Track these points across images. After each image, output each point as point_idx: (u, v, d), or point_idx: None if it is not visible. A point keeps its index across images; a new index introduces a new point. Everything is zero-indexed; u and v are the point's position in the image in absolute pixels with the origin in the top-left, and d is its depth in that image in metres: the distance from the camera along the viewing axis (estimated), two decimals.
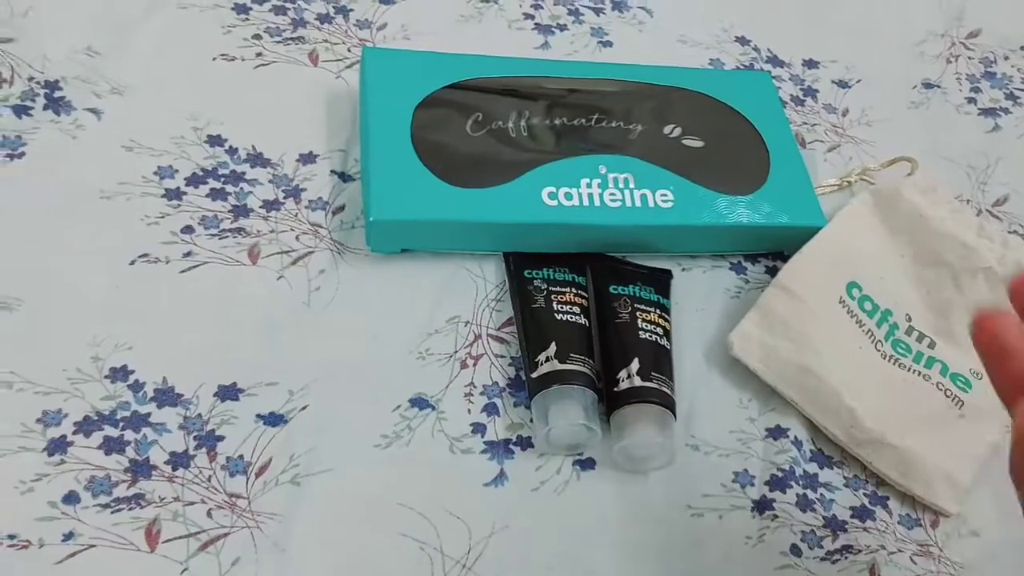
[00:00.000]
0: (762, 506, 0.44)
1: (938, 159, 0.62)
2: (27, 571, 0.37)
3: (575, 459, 0.44)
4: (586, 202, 0.49)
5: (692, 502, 0.44)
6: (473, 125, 0.51)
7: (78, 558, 0.38)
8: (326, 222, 0.50)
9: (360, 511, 0.41)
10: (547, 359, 0.44)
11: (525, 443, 0.44)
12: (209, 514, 0.40)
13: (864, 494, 0.46)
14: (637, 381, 0.44)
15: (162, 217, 0.48)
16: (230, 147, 0.52)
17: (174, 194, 0.49)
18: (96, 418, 0.41)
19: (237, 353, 0.44)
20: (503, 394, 0.46)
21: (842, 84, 0.65)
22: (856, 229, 0.53)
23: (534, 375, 0.44)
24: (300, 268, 0.48)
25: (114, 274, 0.46)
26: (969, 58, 0.69)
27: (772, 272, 0.53)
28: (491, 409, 0.45)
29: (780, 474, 0.46)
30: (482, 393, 0.46)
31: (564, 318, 0.46)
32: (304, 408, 0.43)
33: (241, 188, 0.50)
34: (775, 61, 0.65)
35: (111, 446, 0.41)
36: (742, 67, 0.64)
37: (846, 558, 0.44)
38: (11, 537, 0.38)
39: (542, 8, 0.64)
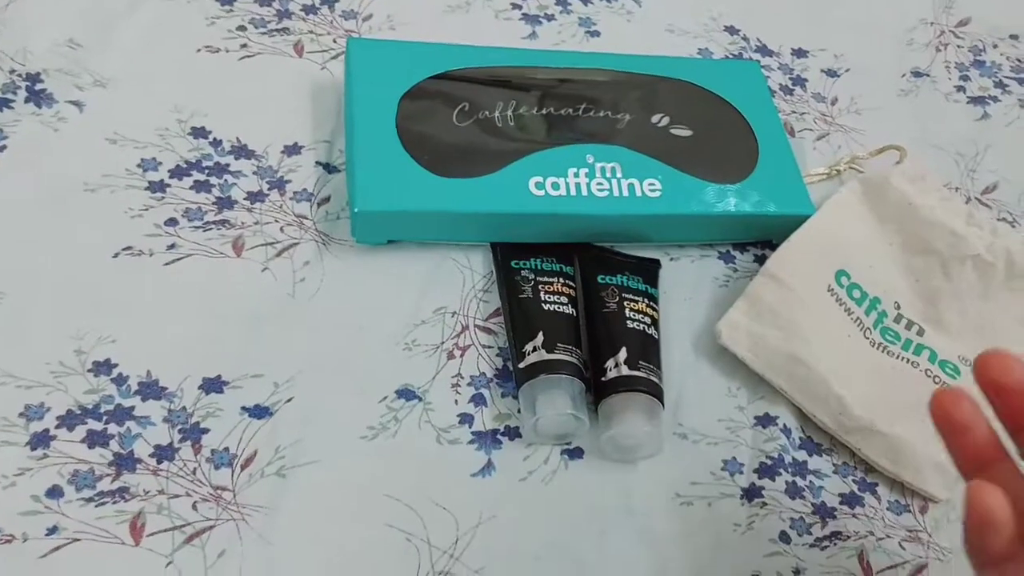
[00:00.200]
0: (751, 494, 0.44)
1: (927, 147, 0.61)
2: (11, 565, 0.37)
3: (563, 448, 0.44)
4: (573, 192, 0.49)
5: (681, 490, 0.44)
6: (459, 115, 0.50)
7: (62, 552, 0.37)
8: (311, 213, 0.50)
9: (346, 503, 0.41)
10: (534, 349, 0.44)
11: (513, 433, 0.44)
12: (194, 507, 0.40)
13: (853, 480, 0.46)
14: (625, 370, 0.44)
15: (146, 209, 0.48)
16: (214, 139, 0.51)
17: (158, 186, 0.49)
18: (79, 412, 0.41)
19: (222, 345, 0.44)
20: (490, 384, 0.46)
21: (831, 73, 0.65)
22: (845, 217, 0.53)
23: (521, 365, 0.44)
24: (285, 260, 0.48)
25: (97, 267, 0.45)
26: (958, 46, 0.69)
27: (761, 261, 0.53)
28: (478, 399, 0.45)
29: (769, 462, 0.45)
30: (469, 384, 0.45)
31: (552, 308, 0.46)
32: (289, 400, 0.43)
33: (225, 180, 0.50)
34: (764, 50, 0.65)
35: (95, 440, 0.40)
36: (731, 56, 0.64)
37: (835, 544, 0.44)
38: None
39: None
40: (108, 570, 0.37)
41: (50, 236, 0.46)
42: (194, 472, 0.40)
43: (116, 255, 0.46)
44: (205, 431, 0.42)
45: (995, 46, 0.70)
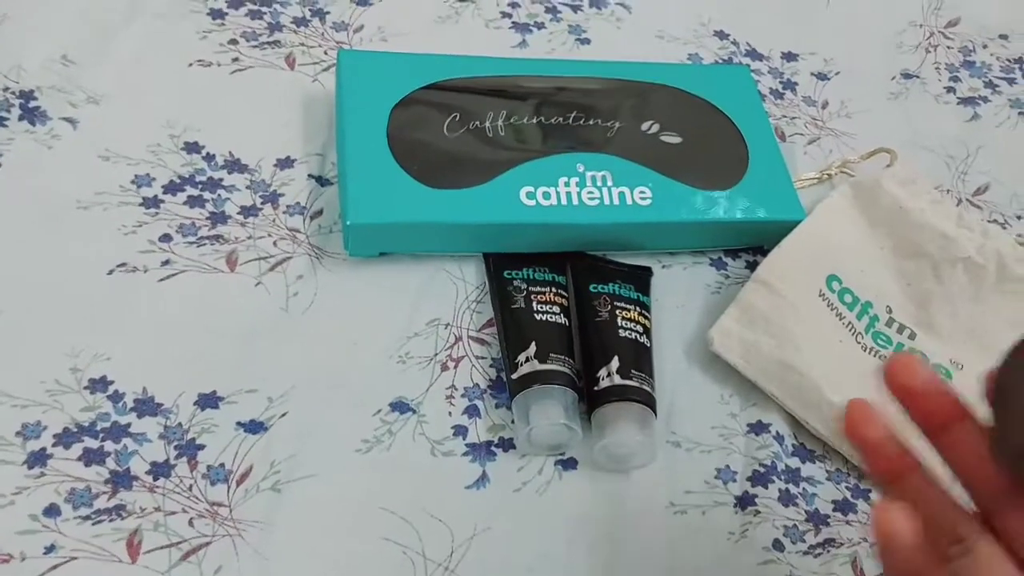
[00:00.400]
0: (744, 502, 0.45)
1: (918, 149, 0.62)
2: None
3: (557, 459, 0.45)
4: (564, 201, 0.49)
5: (675, 499, 0.44)
6: (450, 125, 0.51)
7: (60, 571, 0.38)
8: (304, 227, 0.50)
9: (342, 517, 0.41)
10: (527, 359, 0.45)
11: (507, 444, 0.45)
12: (191, 523, 0.40)
13: (846, 487, 0.46)
14: (617, 379, 0.44)
15: (139, 226, 0.48)
16: (207, 153, 0.52)
17: (151, 202, 0.49)
18: (76, 430, 0.41)
19: (216, 361, 0.44)
20: (484, 396, 0.46)
21: (821, 76, 0.65)
22: (836, 222, 0.53)
23: (514, 376, 0.44)
24: (278, 274, 0.48)
25: (92, 284, 0.46)
26: (948, 47, 0.69)
27: (752, 267, 0.53)
28: (472, 411, 0.45)
29: (762, 469, 0.46)
30: (463, 395, 0.46)
31: (544, 318, 0.46)
32: (284, 415, 0.43)
33: (219, 195, 0.50)
34: (754, 54, 0.65)
35: (91, 457, 0.41)
36: (721, 61, 0.64)
37: (828, 552, 0.44)
38: None
39: (519, 7, 0.64)
40: None
41: (44, 254, 0.46)
42: (190, 488, 0.41)
43: (111, 272, 0.46)
44: (201, 447, 0.42)
45: (985, 46, 0.70)
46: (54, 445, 0.41)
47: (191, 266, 0.47)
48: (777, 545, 0.44)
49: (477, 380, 0.46)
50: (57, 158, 0.50)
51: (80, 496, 0.40)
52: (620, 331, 0.47)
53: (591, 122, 0.53)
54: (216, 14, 0.58)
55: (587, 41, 0.63)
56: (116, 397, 0.43)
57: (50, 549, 0.38)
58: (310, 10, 0.60)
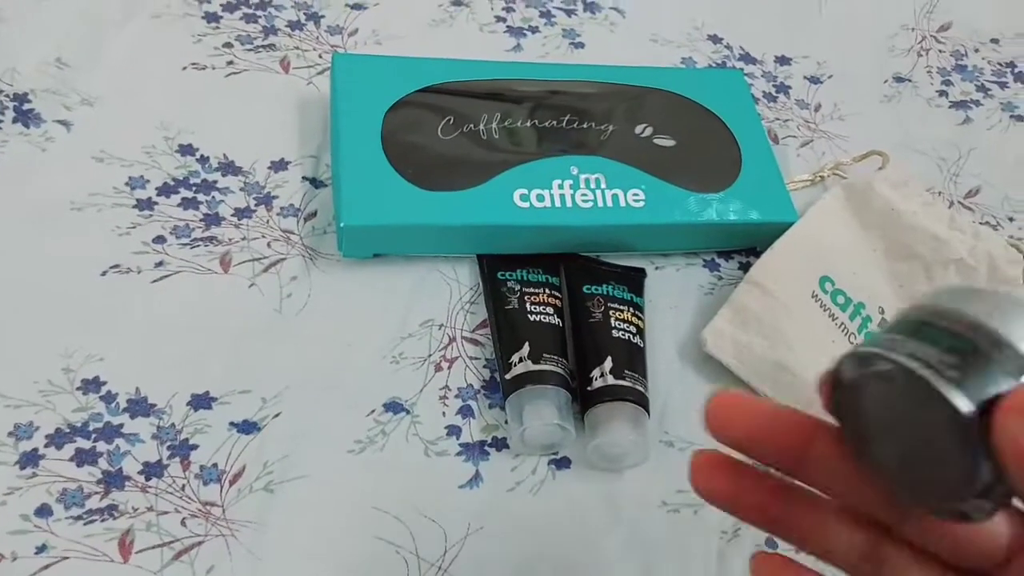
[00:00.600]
0: None
1: (910, 152, 0.62)
2: None
3: (550, 459, 0.45)
4: (558, 203, 0.49)
5: (667, 498, 0.44)
6: (444, 128, 0.51)
7: (51, 570, 0.38)
8: (298, 228, 0.50)
9: (335, 517, 0.41)
10: (520, 360, 0.45)
11: (500, 444, 0.45)
12: (183, 523, 0.40)
13: None
14: (610, 379, 0.45)
15: (133, 227, 0.48)
16: (201, 156, 0.52)
17: (145, 204, 0.49)
18: (68, 430, 0.41)
19: (210, 362, 0.44)
20: (478, 396, 0.46)
21: (814, 80, 0.65)
22: (828, 224, 0.53)
23: (508, 376, 0.44)
24: (272, 275, 0.48)
25: (85, 285, 0.46)
26: (940, 51, 0.70)
27: (745, 268, 0.53)
28: (466, 411, 0.45)
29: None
30: (457, 396, 0.46)
31: (537, 319, 0.47)
32: (277, 415, 0.43)
33: (213, 197, 0.50)
34: (747, 58, 0.65)
35: (83, 458, 0.41)
36: (714, 65, 0.64)
37: None
38: None
39: (514, 11, 0.64)
40: None
41: (38, 255, 0.46)
42: (183, 488, 0.41)
43: (104, 273, 0.46)
44: (194, 447, 0.42)
45: (976, 50, 0.70)
46: (46, 445, 0.41)
47: (185, 267, 0.47)
48: (770, 543, 0.44)
49: (471, 380, 0.46)
50: (51, 160, 0.50)
51: (72, 496, 0.40)
52: (613, 332, 0.47)
53: (585, 125, 0.53)
54: (211, 17, 0.58)
55: (581, 45, 0.63)
56: (109, 398, 0.42)
57: (41, 549, 0.38)
58: (305, 14, 0.60)
